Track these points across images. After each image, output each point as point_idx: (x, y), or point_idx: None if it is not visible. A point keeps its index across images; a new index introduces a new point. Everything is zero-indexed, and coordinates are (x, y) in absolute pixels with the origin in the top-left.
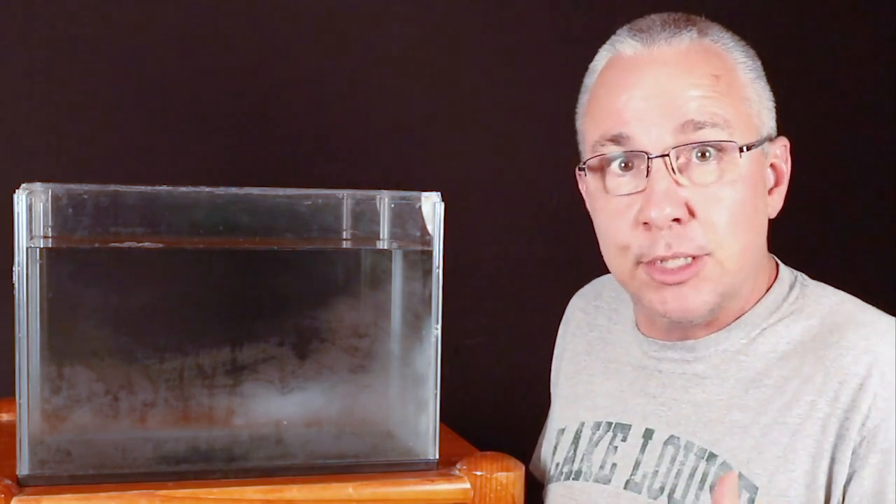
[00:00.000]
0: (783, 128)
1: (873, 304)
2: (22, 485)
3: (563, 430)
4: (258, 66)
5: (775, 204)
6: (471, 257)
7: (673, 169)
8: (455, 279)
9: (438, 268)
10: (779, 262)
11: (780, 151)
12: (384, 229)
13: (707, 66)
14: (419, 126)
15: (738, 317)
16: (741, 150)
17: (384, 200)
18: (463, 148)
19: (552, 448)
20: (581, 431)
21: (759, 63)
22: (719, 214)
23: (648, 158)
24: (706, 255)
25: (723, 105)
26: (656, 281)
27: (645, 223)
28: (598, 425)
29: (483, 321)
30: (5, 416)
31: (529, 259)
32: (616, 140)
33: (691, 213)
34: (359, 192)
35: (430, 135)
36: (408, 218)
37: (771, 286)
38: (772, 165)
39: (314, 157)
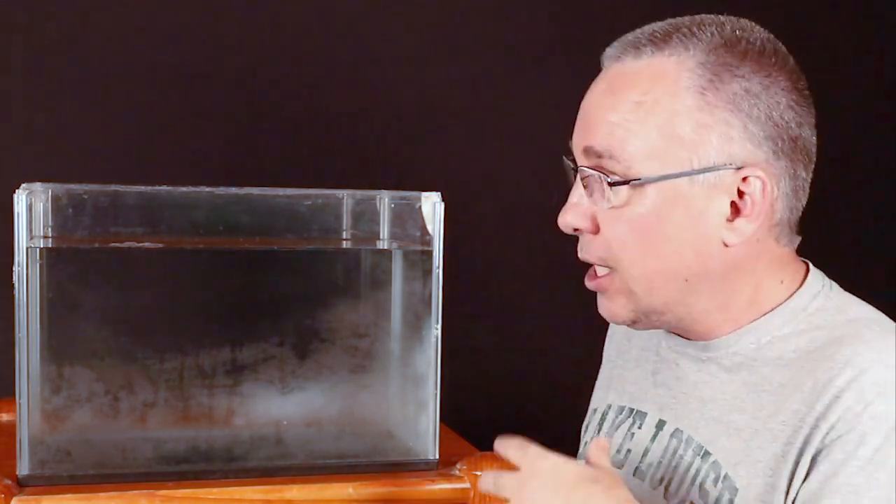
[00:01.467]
0: None
1: (874, 305)
2: (22, 485)
3: (595, 410)
4: (258, 66)
5: (738, 232)
6: (471, 257)
7: (584, 183)
8: (455, 279)
9: (438, 268)
10: (810, 268)
11: (753, 182)
12: (384, 229)
13: (632, 92)
14: (419, 126)
15: (750, 321)
16: (611, 184)
17: (384, 200)
18: (463, 148)
19: (585, 426)
20: (607, 414)
21: (732, 88)
22: (617, 234)
23: (573, 169)
24: (614, 270)
25: (634, 133)
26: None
27: None
28: (621, 409)
29: (483, 321)
30: (5, 416)
31: (529, 259)
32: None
33: (597, 228)
34: (359, 192)
35: (430, 135)
36: (408, 218)
37: (793, 293)
38: (740, 194)
39: (314, 157)
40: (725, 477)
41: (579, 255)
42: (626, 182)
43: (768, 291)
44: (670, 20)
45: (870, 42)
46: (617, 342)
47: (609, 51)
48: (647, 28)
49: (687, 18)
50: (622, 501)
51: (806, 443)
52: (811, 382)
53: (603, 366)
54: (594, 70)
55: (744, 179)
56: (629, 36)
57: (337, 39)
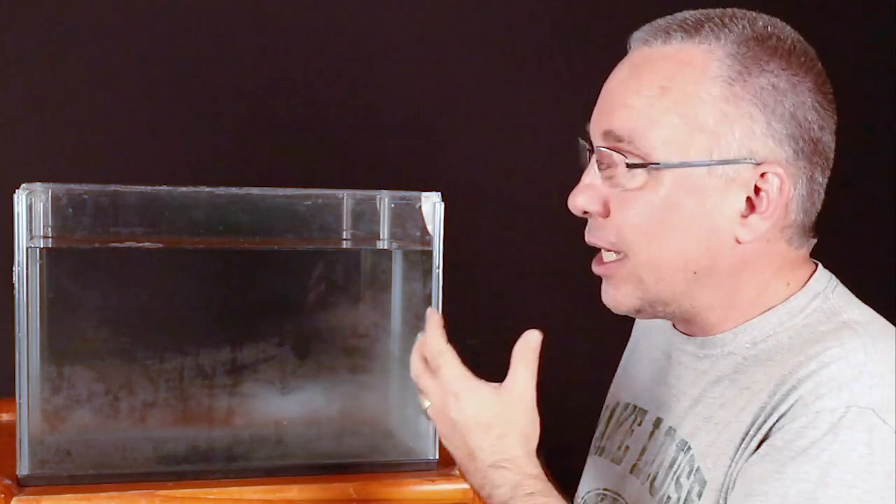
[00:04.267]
0: None
1: (871, 305)
2: (22, 485)
3: (607, 406)
4: (258, 66)
5: (751, 229)
6: (471, 257)
7: (600, 166)
8: (455, 279)
9: (438, 268)
10: (818, 270)
11: (771, 179)
12: (384, 229)
13: (657, 76)
14: (419, 126)
15: (748, 320)
16: (629, 166)
17: (384, 200)
18: (463, 148)
19: (598, 423)
20: (615, 410)
21: (760, 82)
22: (629, 220)
23: (587, 149)
24: (625, 256)
25: (656, 118)
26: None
27: None
28: (626, 406)
29: (483, 321)
30: (5, 416)
31: (529, 259)
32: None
33: (607, 211)
34: (359, 192)
35: (430, 135)
36: (408, 218)
37: (793, 294)
38: (757, 190)
39: (314, 157)
40: (697, 470)
41: (587, 238)
42: (643, 165)
43: (773, 292)
44: (702, 10)
45: (870, 41)
46: (632, 344)
47: (637, 34)
48: (679, 15)
49: (718, 10)
50: (503, 457)
51: (758, 429)
52: (780, 376)
53: (620, 366)
54: (595, 70)
55: (762, 176)
56: (660, 21)
57: (337, 39)
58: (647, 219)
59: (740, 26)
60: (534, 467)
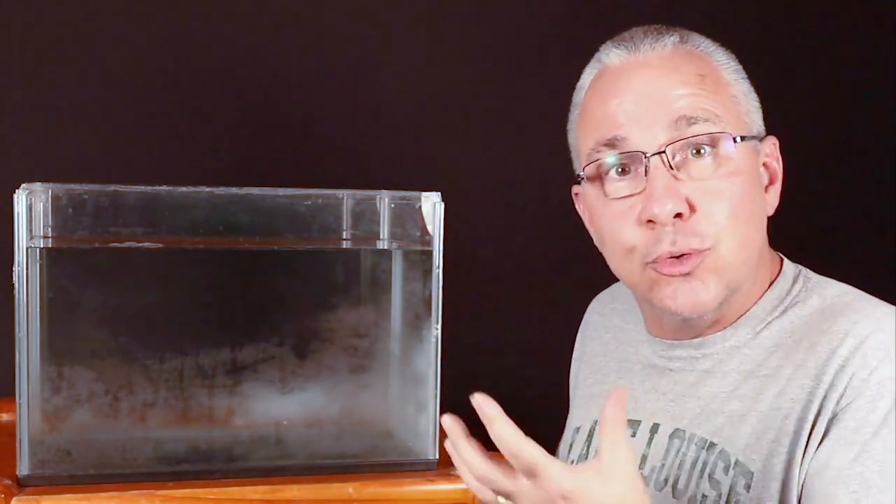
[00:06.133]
0: (785, 126)
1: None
2: (22, 485)
3: (579, 428)
4: (258, 65)
5: (772, 201)
6: (471, 257)
7: (670, 165)
8: (455, 279)
9: (438, 268)
10: (783, 257)
11: (771, 150)
12: (384, 229)
13: (692, 66)
14: (419, 126)
15: (743, 313)
16: (735, 139)
17: (384, 200)
18: (463, 148)
19: (567, 446)
20: (595, 429)
21: (740, 66)
22: (720, 207)
23: (646, 157)
24: (711, 246)
25: (711, 101)
26: (665, 275)
27: (649, 221)
28: None
29: (483, 321)
30: (5, 416)
31: (529, 259)
32: (611, 144)
33: (692, 208)
34: (359, 192)
35: (430, 135)
36: (408, 218)
37: (774, 281)
38: (764, 164)
39: (314, 157)
40: (737, 463)
41: (672, 247)
42: (745, 137)
43: (760, 277)
44: (646, 26)
45: (869, 41)
46: (588, 361)
47: (629, 45)
48: (644, 28)
49: (645, 26)
50: None
51: (818, 414)
52: (813, 357)
53: (577, 385)
54: None
55: (771, 146)
56: (637, 32)
57: (337, 39)
58: (736, 200)
59: (684, 29)
60: None
